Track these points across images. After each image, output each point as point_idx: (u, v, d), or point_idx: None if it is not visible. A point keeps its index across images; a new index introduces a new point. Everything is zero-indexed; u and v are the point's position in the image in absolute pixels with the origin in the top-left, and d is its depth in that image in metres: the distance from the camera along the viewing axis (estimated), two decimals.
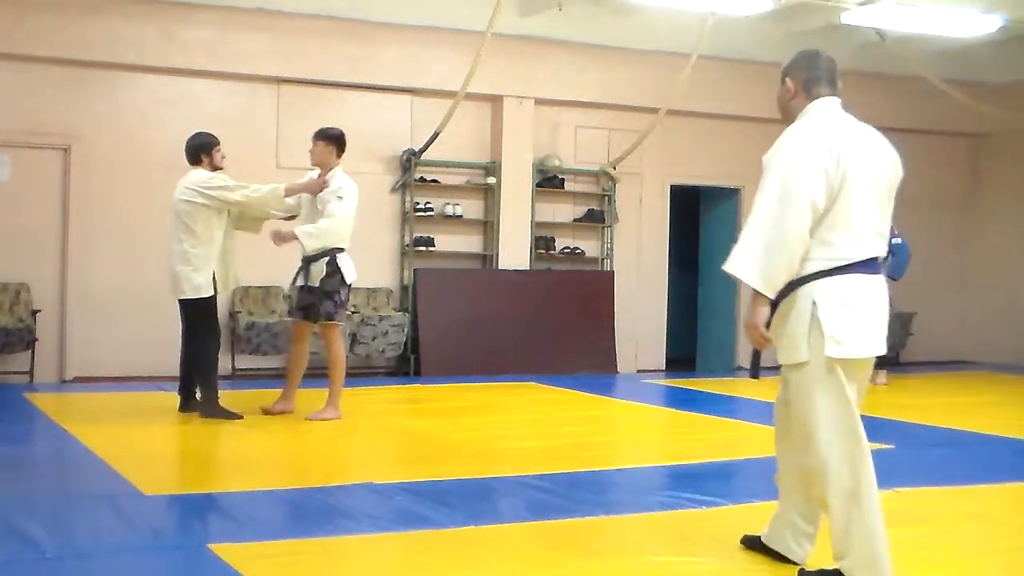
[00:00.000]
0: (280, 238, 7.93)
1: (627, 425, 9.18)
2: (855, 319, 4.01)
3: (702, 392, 10.62)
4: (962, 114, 12.91)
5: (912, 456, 7.22)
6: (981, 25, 11.43)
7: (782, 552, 4.39)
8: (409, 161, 11.57)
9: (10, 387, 9.71)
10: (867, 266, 4.06)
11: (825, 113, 4.23)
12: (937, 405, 10.00)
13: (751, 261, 4.01)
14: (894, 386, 11.35)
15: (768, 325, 4.07)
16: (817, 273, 4.02)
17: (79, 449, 6.79)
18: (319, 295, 7.93)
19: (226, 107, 10.98)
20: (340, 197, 7.88)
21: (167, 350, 10.53)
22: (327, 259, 7.92)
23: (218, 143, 8.15)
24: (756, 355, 4.29)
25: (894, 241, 11.38)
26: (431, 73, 11.49)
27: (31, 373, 10.19)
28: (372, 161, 11.43)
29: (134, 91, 10.74)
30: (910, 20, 11.16)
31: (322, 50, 11.11)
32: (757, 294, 4.02)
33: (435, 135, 11.30)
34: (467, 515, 5.12)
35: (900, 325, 13.73)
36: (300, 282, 8.04)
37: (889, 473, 6.49)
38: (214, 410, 7.95)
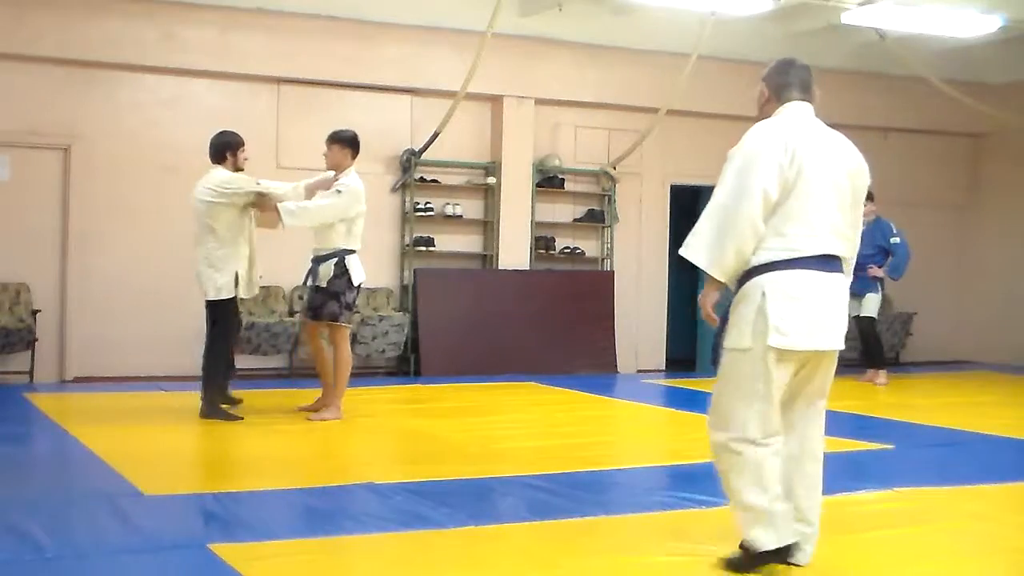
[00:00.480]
0: (263, 209, 7.93)
1: (627, 425, 9.18)
2: (801, 312, 4.16)
3: (702, 392, 10.56)
4: (962, 114, 12.91)
5: (912, 456, 7.23)
6: (981, 25, 11.43)
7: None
8: (409, 161, 11.57)
9: (10, 387, 9.71)
10: (822, 262, 4.21)
11: (792, 115, 4.40)
12: (937, 405, 10.00)
13: (702, 245, 4.25)
14: (894, 386, 11.35)
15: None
16: (770, 264, 4.19)
17: (79, 449, 6.79)
18: (325, 296, 7.95)
19: (226, 107, 10.97)
20: (338, 191, 7.90)
21: (167, 350, 10.58)
22: (335, 260, 7.94)
23: (243, 144, 8.15)
24: (716, 344, 4.42)
25: (893, 241, 11.40)
26: (431, 73, 11.48)
27: (31, 373, 10.19)
28: (372, 161, 11.41)
29: (134, 91, 10.74)
30: (910, 20, 11.16)
31: (322, 50, 11.11)
32: (710, 277, 4.26)
33: (435, 135, 11.30)
34: (467, 515, 5.12)
35: (900, 325, 13.75)
36: (309, 281, 8.07)
37: (889, 473, 6.53)
38: (212, 411, 7.94)
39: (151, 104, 10.75)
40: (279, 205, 7.81)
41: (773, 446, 4.23)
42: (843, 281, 4.32)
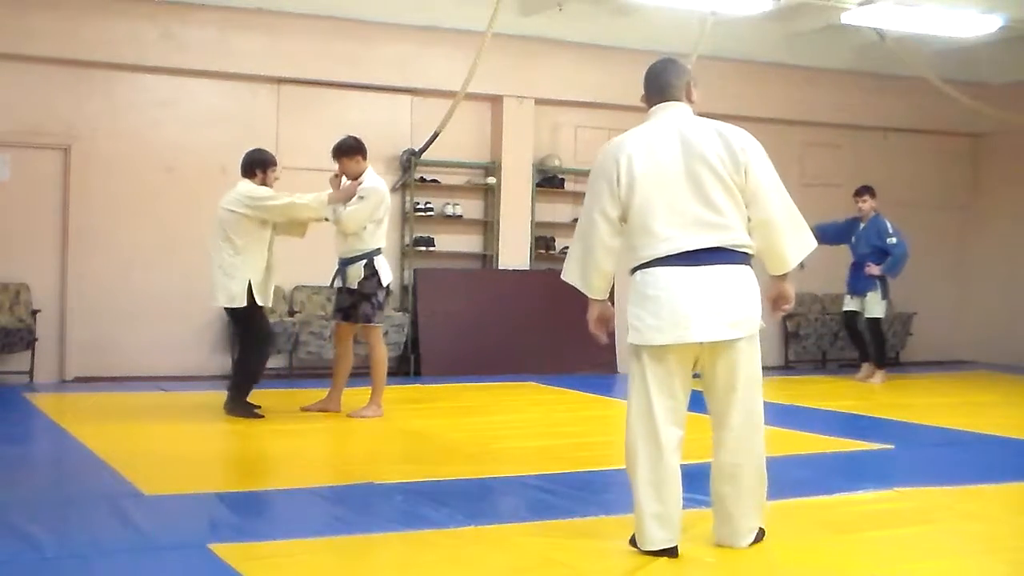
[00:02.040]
0: (292, 230, 8.24)
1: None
2: (657, 308, 4.33)
3: (701, 392, 10.59)
4: (962, 114, 12.90)
5: (912, 456, 7.22)
6: (981, 25, 11.43)
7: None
8: (409, 161, 11.57)
9: (10, 387, 9.71)
10: (684, 258, 4.33)
11: (650, 120, 4.61)
12: (937, 405, 9.99)
13: (574, 268, 4.64)
14: (894, 386, 11.35)
15: None
16: (633, 271, 4.46)
17: (79, 449, 6.79)
18: (357, 297, 8.03)
19: (226, 107, 10.98)
20: (362, 197, 7.95)
21: (167, 350, 10.59)
22: (364, 261, 7.99)
23: (275, 163, 8.28)
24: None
25: (889, 241, 11.41)
26: (431, 73, 11.48)
27: (31, 373, 10.19)
28: (372, 161, 11.29)
29: (134, 91, 10.74)
30: (910, 20, 11.16)
31: (322, 50, 11.11)
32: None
33: (435, 135, 11.30)
34: (467, 515, 5.12)
35: (900, 325, 13.74)
36: (337, 283, 8.15)
37: (889, 473, 6.53)
38: (234, 408, 8.07)
39: (151, 104, 10.75)
40: (322, 206, 8.01)
41: (652, 440, 4.40)
42: (713, 273, 4.32)
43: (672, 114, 4.56)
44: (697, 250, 4.32)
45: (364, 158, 8.15)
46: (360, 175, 8.09)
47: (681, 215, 4.35)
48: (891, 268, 11.40)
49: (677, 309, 4.31)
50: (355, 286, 8.01)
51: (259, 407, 8.17)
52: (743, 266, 4.40)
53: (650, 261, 4.37)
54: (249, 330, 8.21)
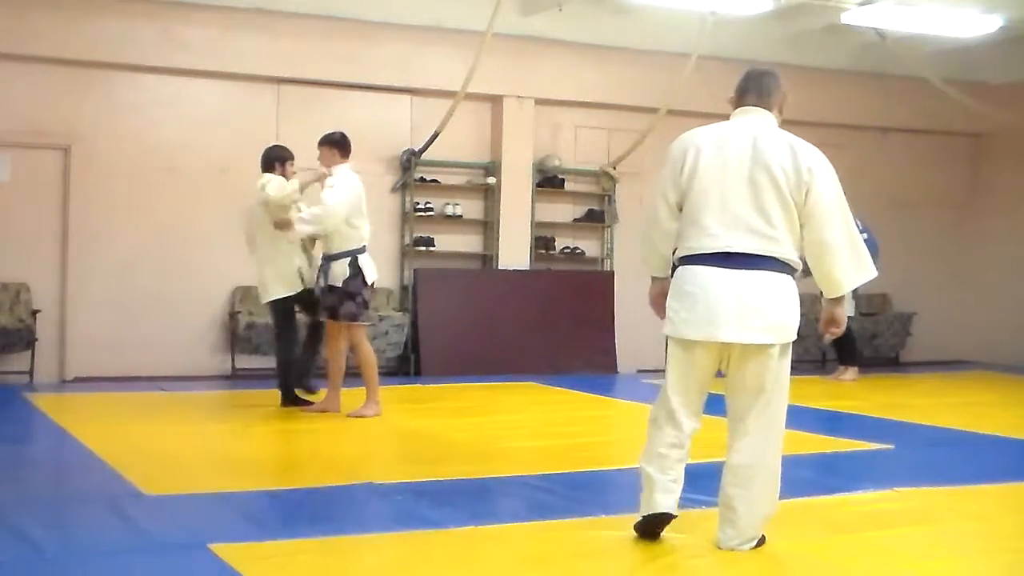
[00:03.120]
0: (280, 225, 8.16)
1: (627, 425, 9.16)
2: (691, 304, 4.45)
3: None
4: (962, 114, 12.90)
5: (912, 456, 7.22)
6: (981, 25, 11.43)
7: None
8: (409, 161, 11.57)
9: (10, 387, 9.71)
10: (722, 259, 4.41)
11: (733, 119, 4.64)
12: (937, 405, 9.99)
13: (641, 247, 4.84)
14: (894, 386, 11.37)
15: None
16: (679, 260, 4.60)
17: (79, 449, 6.79)
18: (341, 296, 7.99)
19: (226, 107, 10.99)
20: (331, 187, 7.95)
21: (167, 350, 10.59)
22: (348, 259, 7.98)
23: (291, 157, 8.48)
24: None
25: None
26: (431, 73, 11.48)
27: (31, 373, 10.20)
28: (372, 161, 11.42)
29: (134, 91, 10.74)
30: (910, 20, 11.16)
31: (322, 50, 11.11)
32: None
33: (435, 135, 11.30)
34: (467, 515, 5.11)
35: (900, 325, 13.74)
36: (321, 282, 8.11)
37: (889, 473, 6.53)
38: (287, 401, 8.42)
39: (151, 104, 10.75)
40: (295, 220, 8.05)
41: (667, 426, 4.59)
42: (752, 277, 4.39)
43: (753, 119, 4.60)
44: (740, 253, 4.39)
45: (342, 156, 8.13)
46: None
47: (732, 216, 4.41)
48: None
49: (711, 307, 4.40)
50: (339, 284, 7.98)
51: (310, 403, 8.45)
52: (784, 276, 4.44)
53: (693, 256, 4.47)
54: (276, 323, 8.49)
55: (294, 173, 8.38)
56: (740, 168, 4.44)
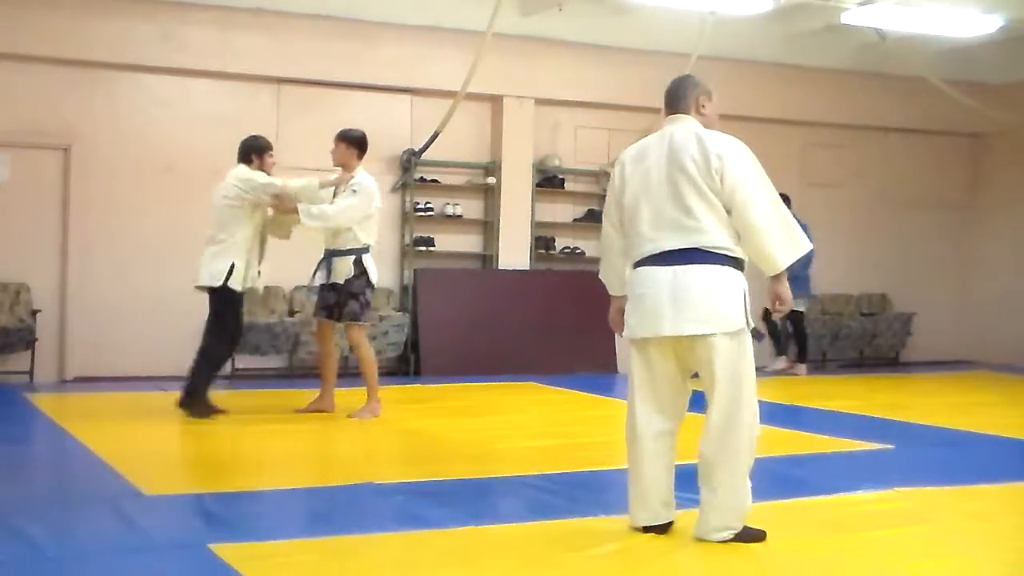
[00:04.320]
0: (279, 201, 8.00)
1: None
2: (640, 305, 4.65)
3: (701, 392, 10.58)
4: (962, 114, 12.91)
5: (912, 456, 7.22)
6: (981, 25, 11.43)
7: None
8: (409, 161, 11.57)
9: (10, 387, 9.71)
10: (659, 259, 4.60)
11: (658, 131, 4.80)
12: (937, 405, 9.99)
13: (601, 267, 5.03)
14: (894, 386, 11.37)
15: None
16: (632, 269, 4.77)
17: (79, 449, 6.78)
18: (345, 295, 7.94)
19: (226, 107, 10.98)
20: (354, 191, 7.92)
21: (167, 350, 10.57)
22: (354, 258, 7.93)
23: (270, 148, 8.27)
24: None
25: None
26: (431, 73, 11.48)
27: (31, 373, 10.20)
28: (372, 161, 11.31)
29: (134, 91, 10.74)
30: (910, 20, 11.16)
31: (322, 50, 11.11)
32: None
33: (435, 135, 11.30)
34: (467, 515, 5.11)
35: (900, 325, 13.75)
36: (321, 278, 8.04)
37: (889, 473, 6.53)
38: (193, 405, 7.95)
39: (151, 104, 10.75)
40: (299, 207, 7.88)
41: (631, 427, 4.73)
42: (684, 272, 4.52)
43: (672, 126, 4.76)
44: (673, 250, 4.56)
45: (360, 156, 8.11)
46: (350, 170, 8.05)
47: (661, 218, 4.60)
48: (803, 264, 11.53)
49: (654, 304, 4.58)
50: (341, 281, 7.93)
51: (222, 409, 8.06)
52: (721, 266, 4.54)
53: (637, 262, 4.68)
54: (221, 316, 8.07)
55: (274, 163, 8.23)
56: (659, 171, 4.62)
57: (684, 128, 4.70)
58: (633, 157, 4.76)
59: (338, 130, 8.25)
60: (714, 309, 4.52)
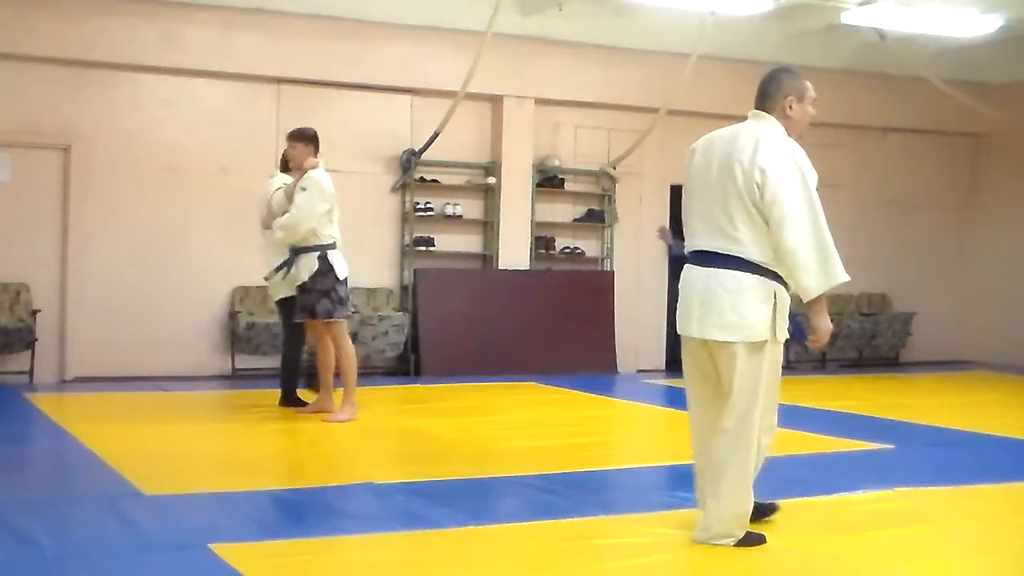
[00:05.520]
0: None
1: (627, 425, 9.18)
2: (679, 302, 4.69)
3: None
4: (962, 114, 12.90)
5: (912, 456, 7.23)
6: (981, 25, 11.43)
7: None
8: (409, 161, 11.56)
9: (10, 387, 9.71)
10: (696, 257, 4.63)
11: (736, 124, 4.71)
12: (937, 405, 10.00)
13: None
14: (894, 386, 11.36)
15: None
16: None
17: (79, 449, 6.79)
18: (315, 294, 7.91)
19: (226, 107, 10.98)
20: (303, 188, 7.90)
21: (167, 350, 10.59)
22: (318, 254, 7.90)
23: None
24: None
25: None
26: (431, 73, 11.48)
27: (31, 373, 10.19)
28: (372, 161, 11.44)
29: (134, 91, 10.74)
30: (910, 20, 11.16)
31: (322, 50, 11.11)
32: None
33: (435, 135, 11.30)
34: (467, 515, 5.12)
35: (900, 325, 13.74)
36: (280, 276, 8.05)
37: (889, 473, 6.53)
38: (284, 401, 8.43)
39: (151, 104, 10.75)
40: (274, 224, 8.02)
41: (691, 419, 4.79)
42: (715, 275, 4.49)
43: (750, 123, 4.64)
44: (708, 251, 4.54)
45: (315, 153, 8.07)
46: (306, 168, 8.00)
47: (709, 218, 4.58)
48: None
49: (686, 306, 4.61)
50: (306, 279, 7.91)
51: (304, 403, 8.43)
52: (753, 275, 4.43)
53: (688, 255, 4.69)
54: (283, 321, 8.53)
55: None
56: (717, 170, 4.54)
57: (753, 130, 4.55)
58: (702, 148, 4.69)
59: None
60: (735, 317, 4.42)
